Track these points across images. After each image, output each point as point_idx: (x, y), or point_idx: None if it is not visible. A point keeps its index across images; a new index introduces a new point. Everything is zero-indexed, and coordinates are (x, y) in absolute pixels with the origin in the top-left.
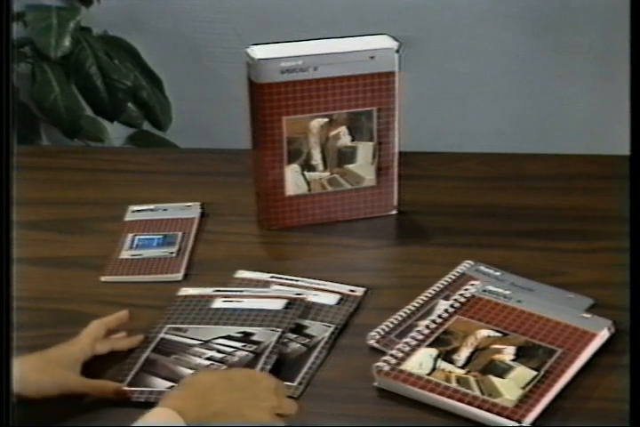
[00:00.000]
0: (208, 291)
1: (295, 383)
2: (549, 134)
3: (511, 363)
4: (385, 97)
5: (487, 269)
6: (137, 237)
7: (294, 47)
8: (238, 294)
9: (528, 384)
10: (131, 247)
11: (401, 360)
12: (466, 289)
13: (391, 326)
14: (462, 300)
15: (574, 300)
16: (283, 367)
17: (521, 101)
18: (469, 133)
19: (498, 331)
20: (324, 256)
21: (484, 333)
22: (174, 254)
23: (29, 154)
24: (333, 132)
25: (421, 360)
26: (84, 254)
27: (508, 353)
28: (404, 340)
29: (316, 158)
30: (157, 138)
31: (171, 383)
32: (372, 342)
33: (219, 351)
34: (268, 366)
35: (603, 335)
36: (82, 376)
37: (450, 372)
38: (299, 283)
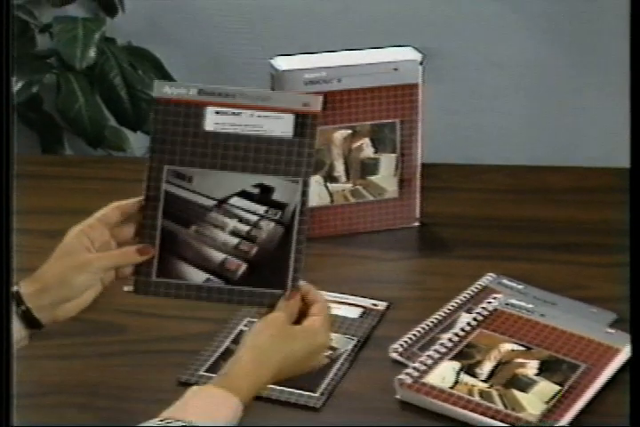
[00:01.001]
0: (193, 91)
1: (317, 394)
2: (571, 146)
3: (534, 377)
4: (408, 109)
5: (510, 283)
6: None
7: (318, 58)
8: (231, 101)
9: (551, 399)
10: None
11: (423, 373)
12: (488, 302)
13: (414, 338)
14: (485, 313)
15: (597, 314)
16: (305, 377)
17: (543, 113)
18: (491, 145)
19: (521, 345)
20: (346, 268)
21: (507, 346)
22: None
23: (54, 163)
24: (356, 144)
25: (444, 373)
26: None
27: (531, 367)
28: (427, 353)
29: (339, 170)
30: None
31: (205, 275)
32: (394, 354)
33: (240, 221)
34: (302, 246)
35: (627, 351)
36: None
37: (473, 385)
38: None
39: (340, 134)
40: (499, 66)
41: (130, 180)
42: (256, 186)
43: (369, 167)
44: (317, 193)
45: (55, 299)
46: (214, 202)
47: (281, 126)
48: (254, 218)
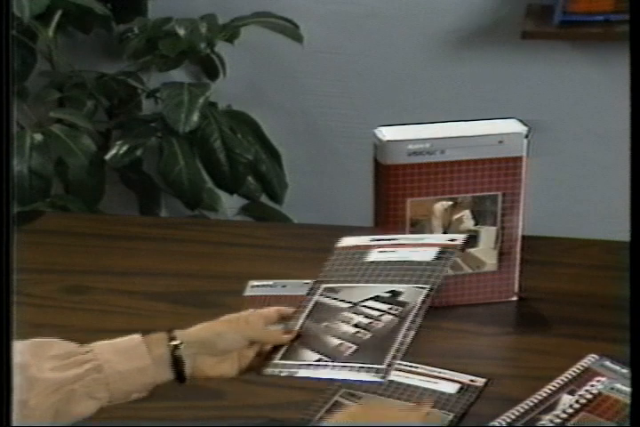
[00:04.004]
0: (365, 240)
1: None
2: None
3: None
4: (511, 182)
5: (613, 366)
6: None
7: (421, 129)
8: (393, 242)
9: None
10: None
11: None
12: (592, 385)
13: (513, 417)
14: (588, 396)
15: None
16: None
17: None
18: (591, 218)
19: None
20: (443, 341)
21: None
22: None
23: (153, 225)
24: (457, 216)
25: None
26: None
27: None
28: None
29: None
30: (271, 210)
31: (318, 356)
32: None
33: (365, 316)
34: (412, 332)
35: None
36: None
37: None
38: (418, 370)
39: (441, 205)
40: (601, 137)
41: (226, 243)
42: (388, 291)
43: (469, 239)
44: None
45: (200, 349)
46: (350, 304)
47: (426, 255)
48: (377, 313)
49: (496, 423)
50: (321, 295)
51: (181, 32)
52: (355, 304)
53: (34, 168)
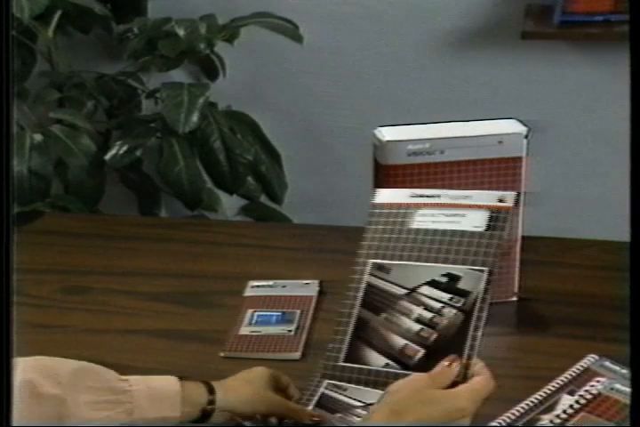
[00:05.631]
0: (404, 196)
1: None
2: None
3: None
4: (510, 182)
5: (613, 366)
6: (256, 313)
7: (421, 129)
8: (435, 201)
9: None
10: (250, 324)
11: None
12: (592, 385)
13: (512, 417)
14: (588, 396)
15: None
16: None
17: None
18: (590, 218)
19: None
20: None
21: None
22: (292, 333)
23: (152, 225)
24: None
25: None
26: (205, 328)
27: None
28: None
29: None
30: (270, 210)
31: (385, 360)
32: None
33: (426, 308)
34: (479, 333)
35: None
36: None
37: None
38: None
39: None
40: (600, 137)
41: (226, 243)
42: (444, 275)
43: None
44: None
45: (232, 411)
46: (405, 291)
47: (476, 221)
48: (439, 305)
49: (496, 424)
50: (371, 275)
51: (181, 32)
52: (411, 291)
53: (33, 168)
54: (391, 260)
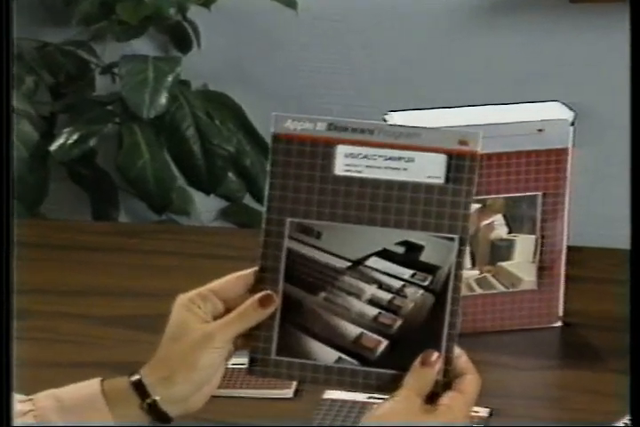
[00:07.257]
0: (320, 129)
1: None
2: None
3: None
4: (553, 179)
5: None
6: None
7: (440, 115)
8: (367, 138)
9: None
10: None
11: None
12: None
13: None
14: None
15: None
16: None
17: None
18: None
19: None
20: None
21: None
22: None
23: (109, 233)
24: (486, 222)
25: None
26: None
27: None
28: None
29: None
30: (256, 213)
31: (337, 353)
32: None
33: (380, 287)
34: (456, 318)
35: None
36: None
37: None
38: None
39: None
40: None
41: (201, 255)
42: (400, 244)
43: (501, 251)
44: None
45: (186, 386)
46: (348, 263)
47: (430, 170)
48: (398, 284)
49: None
50: (292, 239)
51: None
52: (355, 263)
53: None
54: (318, 219)
